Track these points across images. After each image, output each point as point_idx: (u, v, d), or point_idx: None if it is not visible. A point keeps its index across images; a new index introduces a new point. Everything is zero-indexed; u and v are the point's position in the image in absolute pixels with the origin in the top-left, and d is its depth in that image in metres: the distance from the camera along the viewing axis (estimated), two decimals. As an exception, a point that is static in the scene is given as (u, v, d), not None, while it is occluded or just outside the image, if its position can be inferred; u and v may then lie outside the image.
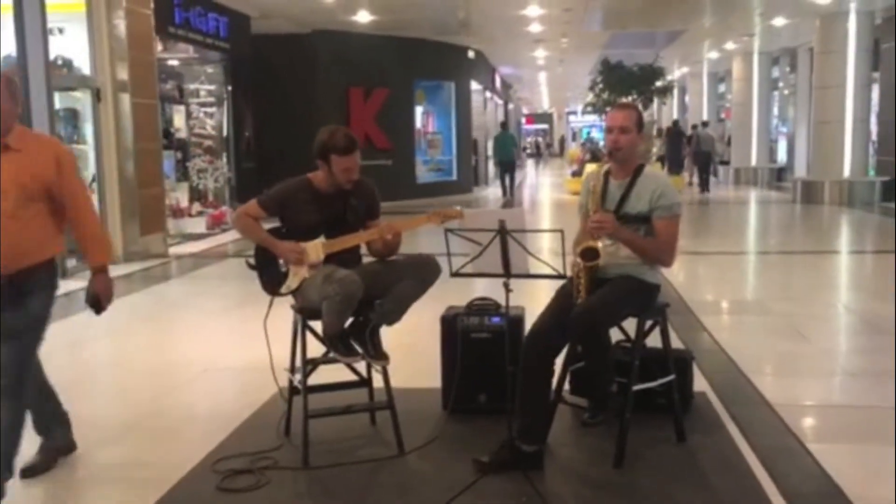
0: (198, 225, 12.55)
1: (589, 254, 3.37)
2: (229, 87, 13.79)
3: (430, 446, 3.77)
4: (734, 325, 6.13)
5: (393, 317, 3.66)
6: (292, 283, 3.71)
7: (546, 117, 54.68)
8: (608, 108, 20.39)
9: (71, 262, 8.89)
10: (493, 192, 21.96)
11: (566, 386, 3.78)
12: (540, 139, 50.35)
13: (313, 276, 3.63)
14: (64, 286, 7.97)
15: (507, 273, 3.26)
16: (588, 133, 45.51)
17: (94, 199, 9.52)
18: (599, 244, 3.38)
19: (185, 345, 5.97)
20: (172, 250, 10.59)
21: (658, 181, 3.60)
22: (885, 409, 4.15)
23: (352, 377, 4.05)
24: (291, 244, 3.68)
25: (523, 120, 46.57)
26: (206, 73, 13.83)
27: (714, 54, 22.91)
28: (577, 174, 21.78)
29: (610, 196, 3.59)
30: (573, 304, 3.44)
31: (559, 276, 3.34)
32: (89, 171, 9.63)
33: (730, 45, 21.05)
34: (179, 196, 12.91)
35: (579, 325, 3.30)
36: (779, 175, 22.31)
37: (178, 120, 13.57)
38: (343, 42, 16.26)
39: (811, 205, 15.90)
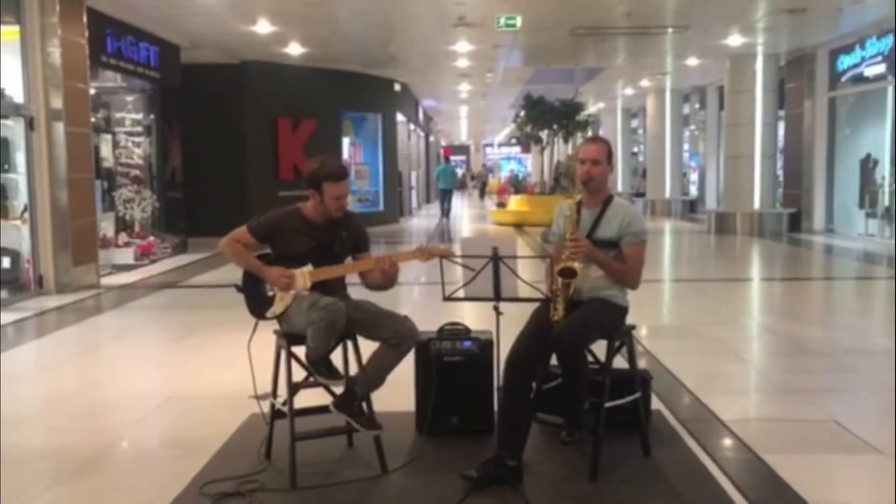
0: (125, 256, 12.34)
1: (567, 272, 3.59)
2: (156, 117, 13.66)
3: (411, 466, 3.90)
4: (675, 348, 6.44)
5: (376, 385, 3.81)
6: (278, 308, 3.81)
7: (464, 149, 55.49)
8: (529, 141, 21.10)
9: (2, 294, 8.67)
10: (417, 222, 22.24)
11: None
12: (461, 170, 50.89)
13: (299, 303, 3.74)
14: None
15: (497, 297, 3.45)
16: (507, 165, 46.50)
17: (26, 229, 9.34)
18: (577, 264, 3.61)
19: (141, 375, 5.91)
20: (104, 281, 10.39)
21: (627, 210, 3.86)
22: (825, 423, 4.51)
23: (328, 400, 4.14)
24: (280, 270, 3.78)
25: (441, 152, 47.12)
26: (133, 102, 13.65)
27: (629, 91, 23.85)
28: (501, 206, 22.34)
29: (582, 223, 3.83)
30: (550, 325, 3.66)
31: (546, 300, 3.55)
32: (20, 200, 9.43)
33: (644, 83, 21.98)
34: (106, 226, 12.67)
35: (561, 345, 3.51)
36: (691, 206, 23.29)
37: (105, 149, 13.33)
38: (271, 73, 16.31)
39: (725, 235, 16.71)
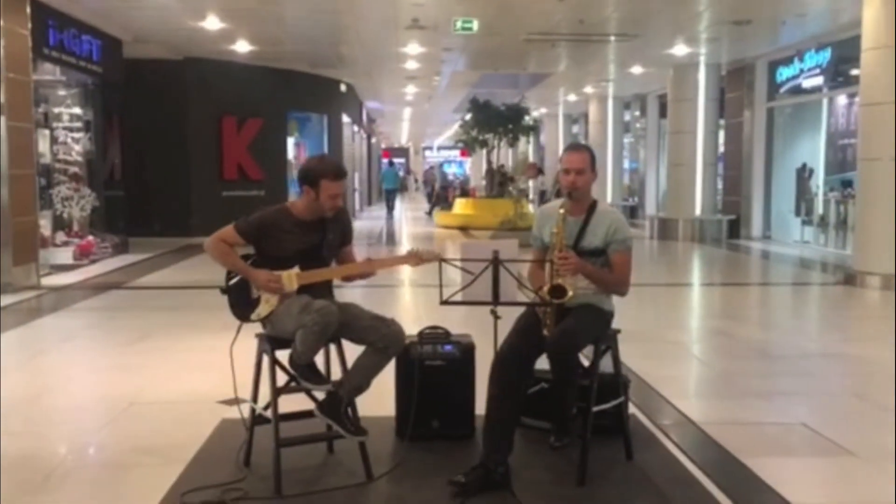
0: (63, 255, 11.93)
1: (558, 292, 3.57)
2: (96, 112, 13.25)
3: (395, 472, 3.84)
4: (638, 352, 6.45)
5: (361, 389, 3.77)
6: (263, 310, 3.72)
7: (403, 152, 55.36)
8: (475, 145, 21.14)
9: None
10: (361, 224, 22.06)
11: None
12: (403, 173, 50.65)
13: (287, 306, 3.65)
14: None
15: (495, 301, 3.42)
16: (449, 168, 46.57)
17: (-36, 226, 8.95)
18: (568, 283, 3.58)
19: (99, 380, 5.70)
20: (44, 282, 10.03)
21: (612, 217, 3.88)
22: (793, 426, 4.62)
23: (310, 405, 4.05)
24: (268, 273, 3.68)
25: (381, 154, 46.89)
26: (73, 96, 13.22)
27: (572, 97, 24.12)
28: (445, 208, 22.38)
29: (567, 232, 3.81)
30: (537, 329, 3.65)
31: (545, 304, 3.53)
32: (-42, 196, 9.04)
33: (588, 90, 22.27)
34: (43, 225, 12.22)
35: (556, 351, 3.50)
36: (632, 212, 23.67)
37: (43, 145, 12.87)
38: (216, 70, 15.96)
39: (666, 241, 17.01)
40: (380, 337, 3.69)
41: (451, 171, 44.43)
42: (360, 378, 3.73)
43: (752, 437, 4.47)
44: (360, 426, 3.73)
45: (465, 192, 22.88)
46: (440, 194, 26.91)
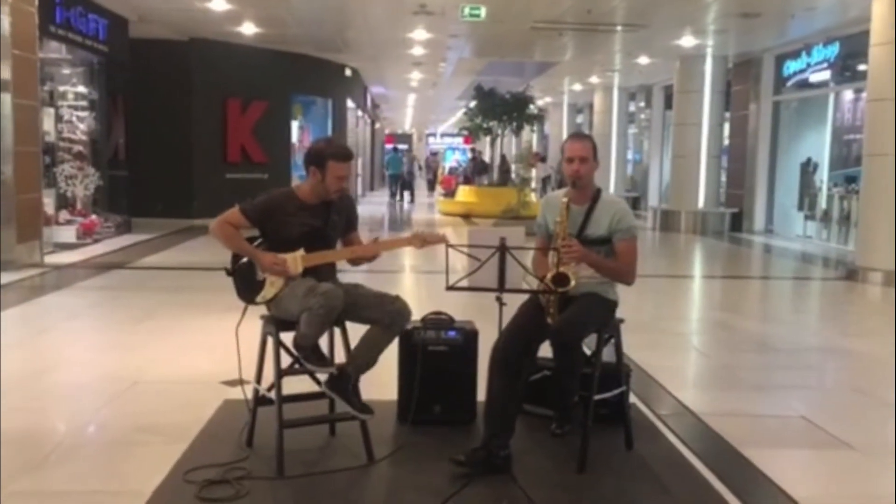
0: (66, 234, 11.94)
1: (561, 280, 3.59)
2: (101, 92, 13.24)
3: (397, 455, 3.87)
4: (639, 343, 6.42)
5: (367, 367, 3.80)
6: (268, 292, 3.73)
7: (406, 138, 55.22)
8: (479, 132, 21.09)
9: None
10: (362, 209, 22.02)
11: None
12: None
13: (292, 288, 3.67)
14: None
15: (501, 288, 3.43)
16: (452, 154, 46.54)
17: (-31, 203, 8.97)
18: (571, 272, 3.59)
19: (103, 359, 5.71)
20: (47, 259, 10.05)
21: (616, 206, 3.89)
22: (793, 419, 4.64)
23: (312, 388, 4.08)
24: (273, 256, 3.70)
25: (384, 139, 46.75)
26: (78, 75, 13.20)
27: (577, 87, 24.05)
28: (448, 195, 22.36)
29: (571, 221, 3.81)
30: (540, 317, 3.67)
31: (550, 292, 3.55)
32: (-37, 173, 9.04)
33: (594, 79, 22.20)
34: (46, 203, 12.22)
35: (559, 340, 3.52)
36: (634, 204, 23.64)
37: (47, 123, 12.87)
38: (221, 52, 15.91)
39: (668, 232, 17.00)
40: (384, 314, 3.71)
41: (454, 157, 44.43)
42: (366, 355, 3.76)
43: (751, 428, 4.49)
44: (365, 405, 3.75)
45: (467, 180, 22.88)
46: (405, 181, 26.57)
